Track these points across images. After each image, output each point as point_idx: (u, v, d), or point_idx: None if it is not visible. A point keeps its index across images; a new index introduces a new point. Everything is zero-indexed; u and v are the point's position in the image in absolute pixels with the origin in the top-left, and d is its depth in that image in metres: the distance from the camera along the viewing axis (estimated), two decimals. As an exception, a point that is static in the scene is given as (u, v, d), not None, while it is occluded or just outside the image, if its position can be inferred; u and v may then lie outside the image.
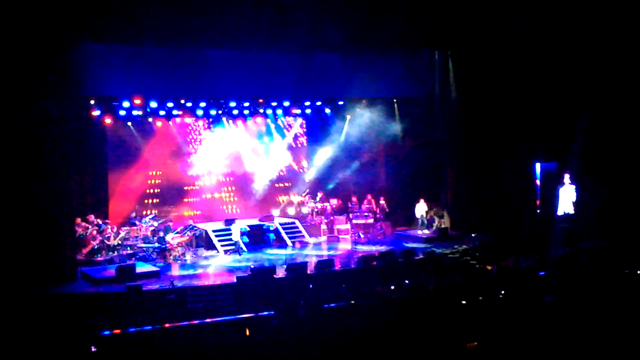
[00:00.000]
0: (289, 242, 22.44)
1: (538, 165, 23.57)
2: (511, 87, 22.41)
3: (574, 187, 22.97)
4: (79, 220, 19.65)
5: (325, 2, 18.99)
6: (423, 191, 23.86)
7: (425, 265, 18.86)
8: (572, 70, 22.27)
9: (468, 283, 15.54)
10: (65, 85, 17.44)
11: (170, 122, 23.32)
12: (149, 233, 20.59)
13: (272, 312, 13.50)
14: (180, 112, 22.81)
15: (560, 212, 23.08)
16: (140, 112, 21.85)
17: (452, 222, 23.47)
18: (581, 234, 20.85)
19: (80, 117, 19.88)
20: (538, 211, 23.65)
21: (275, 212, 24.41)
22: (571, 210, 23.00)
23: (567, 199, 22.98)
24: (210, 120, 24.07)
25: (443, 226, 23.20)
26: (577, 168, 22.83)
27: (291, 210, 25.06)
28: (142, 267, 18.41)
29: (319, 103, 24.60)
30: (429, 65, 23.65)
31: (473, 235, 21.37)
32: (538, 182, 23.58)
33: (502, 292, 13.49)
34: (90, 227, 19.77)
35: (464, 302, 12.78)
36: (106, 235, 19.78)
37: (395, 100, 24.64)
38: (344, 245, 22.29)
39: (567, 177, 22.94)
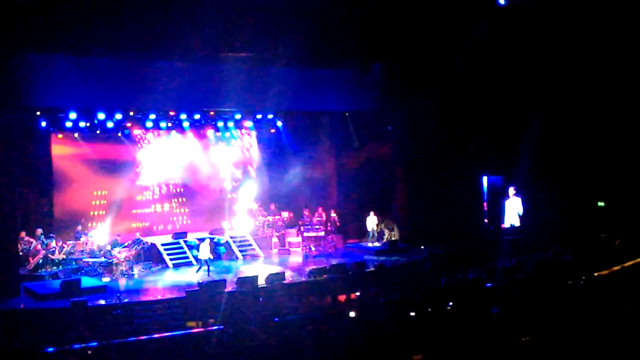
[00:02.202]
0: (239, 255, 22.29)
1: (485, 179, 24.03)
2: (459, 101, 22.85)
3: (520, 199, 23.43)
4: (23, 234, 19.13)
5: (274, 17, 19.02)
6: (374, 204, 24.08)
7: (376, 277, 18.99)
8: (517, 85, 22.78)
9: (417, 295, 15.68)
10: (8, 95, 16.97)
11: (118, 134, 22.96)
12: (95, 247, 20.15)
13: (222, 327, 13.36)
14: (129, 124, 22.49)
15: (506, 225, 23.52)
16: (87, 124, 21.46)
17: (402, 234, 23.72)
18: (527, 246, 21.23)
19: (25, 128, 19.40)
20: (486, 221, 24.10)
21: (226, 225, 24.21)
22: (517, 223, 23.44)
23: (513, 211, 23.42)
24: (160, 132, 23.80)
25: (393, 239, 23.42)
26: (522, 181, 23.30)
27: (242, 223, 24.87)
28: (88, 282, 18.01)
29: (270, 116, 24.47)
30: (380, 79, 23.83)
31: (422, 247, 21.63)
32: (485, 195, 24.05)
33: (450, 304, 13.65)
34: (34, 241, 19.24)
35: (412, 314, 12.89)
36: (50, 250, 19.23)
37: (347, 114, 24.77)
38: (295, 258, 22.25)
39: (511, 190, 23.35)
